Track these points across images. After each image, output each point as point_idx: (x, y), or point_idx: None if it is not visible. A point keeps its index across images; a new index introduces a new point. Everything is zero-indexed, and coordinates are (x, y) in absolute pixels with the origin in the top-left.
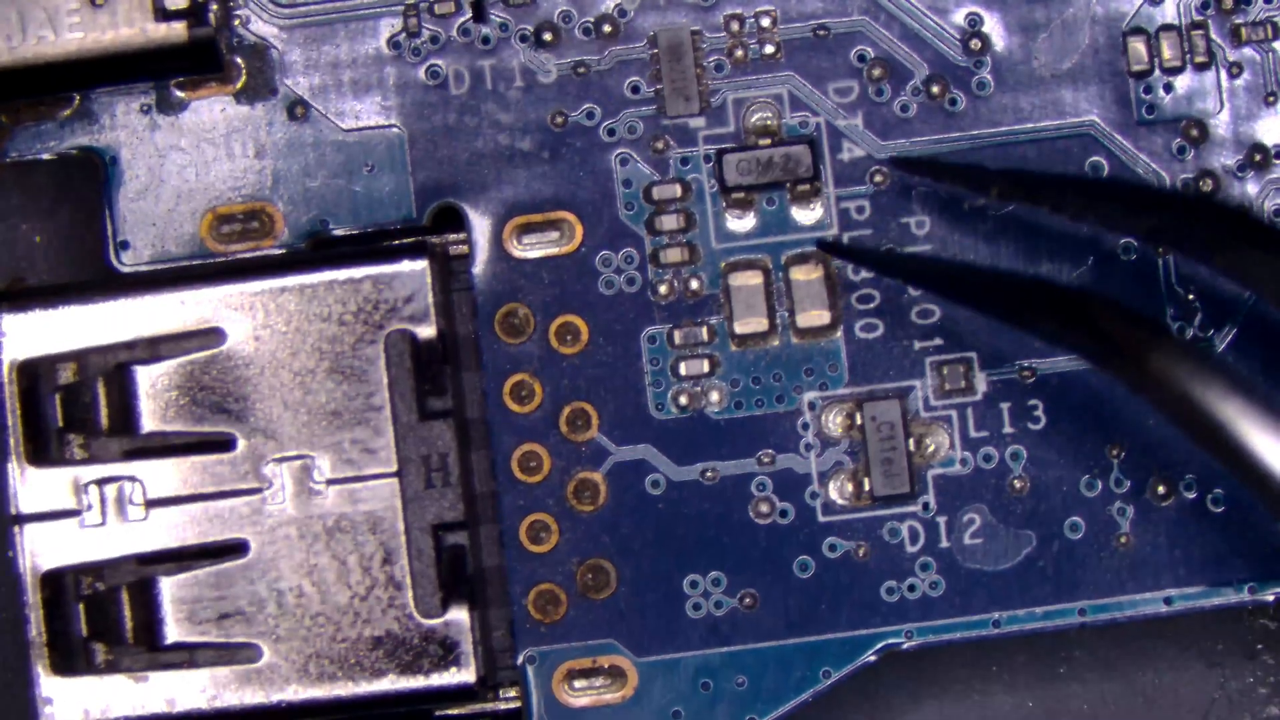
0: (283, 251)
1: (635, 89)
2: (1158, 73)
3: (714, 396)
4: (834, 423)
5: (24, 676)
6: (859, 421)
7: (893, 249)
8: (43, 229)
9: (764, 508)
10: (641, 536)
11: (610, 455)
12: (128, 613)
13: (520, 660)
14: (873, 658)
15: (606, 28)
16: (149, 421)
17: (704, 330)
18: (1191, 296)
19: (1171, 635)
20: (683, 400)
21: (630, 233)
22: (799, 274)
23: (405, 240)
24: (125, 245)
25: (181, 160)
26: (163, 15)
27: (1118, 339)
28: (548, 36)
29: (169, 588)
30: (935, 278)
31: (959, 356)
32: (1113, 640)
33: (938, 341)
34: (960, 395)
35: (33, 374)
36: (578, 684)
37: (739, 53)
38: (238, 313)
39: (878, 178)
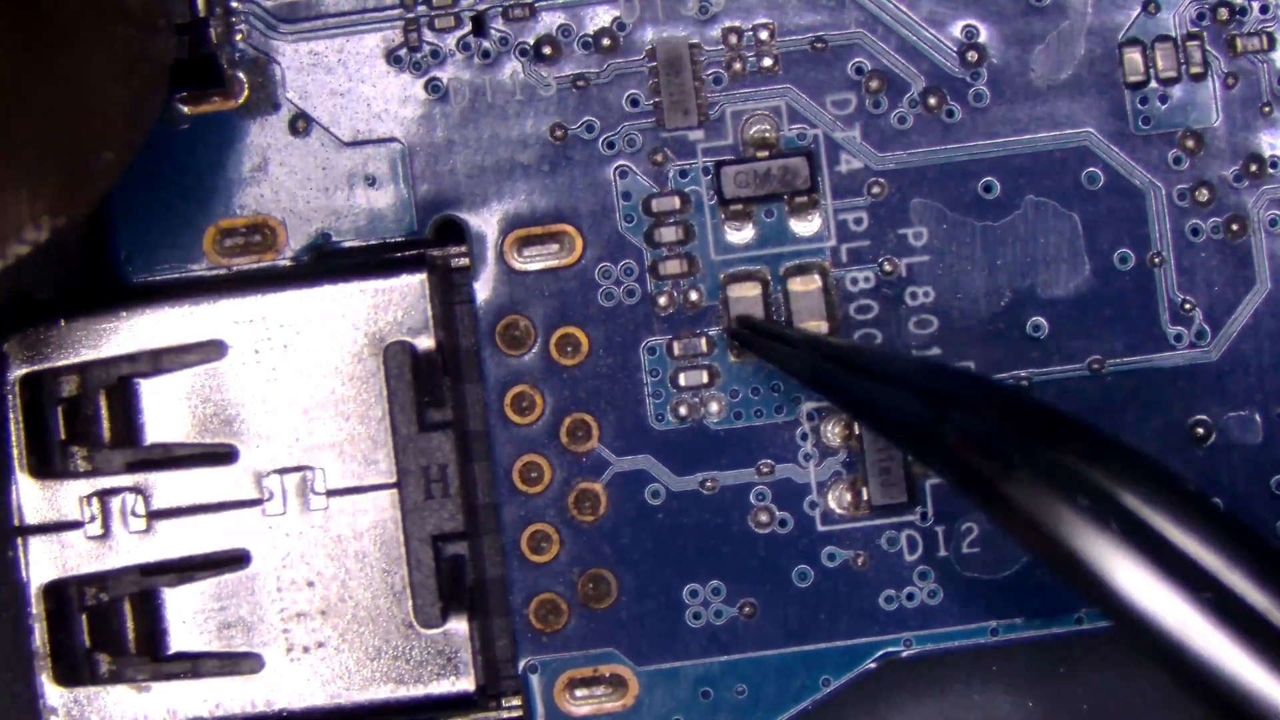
0: (285, 265)
1: (634, 102)
2: (1154, 84)
3: (713, 407)
4: (832, 433)
5: (28, 687)
6: (857, 431)
7: (789, 332)
8: (46, 243)
9: (763, 517)
10: (642, 546)
11: (610, 466)
12: (130, 623)
13: (521, 669)
14: (872, 666)
15: (605, 41)
16: (151, 434)
17: (703, 341)
18: (1189, 305)
19: None
20: (682, 411)
21: (630, 245)
22: (797, 285)
23: (406, 253)
24: (128, 258)
25: (184, 174)
26: None
27: (972, 468)
28: (547, 50)
29: (171, 598)
30: (821, 372)
31: (956, 367)
32: (1112, 640)
33: (935, 351)
34: None
35: (35, 386)
36: (579, 693)
37: (737, 65)
38: (240, 326)
39: (875, 189)
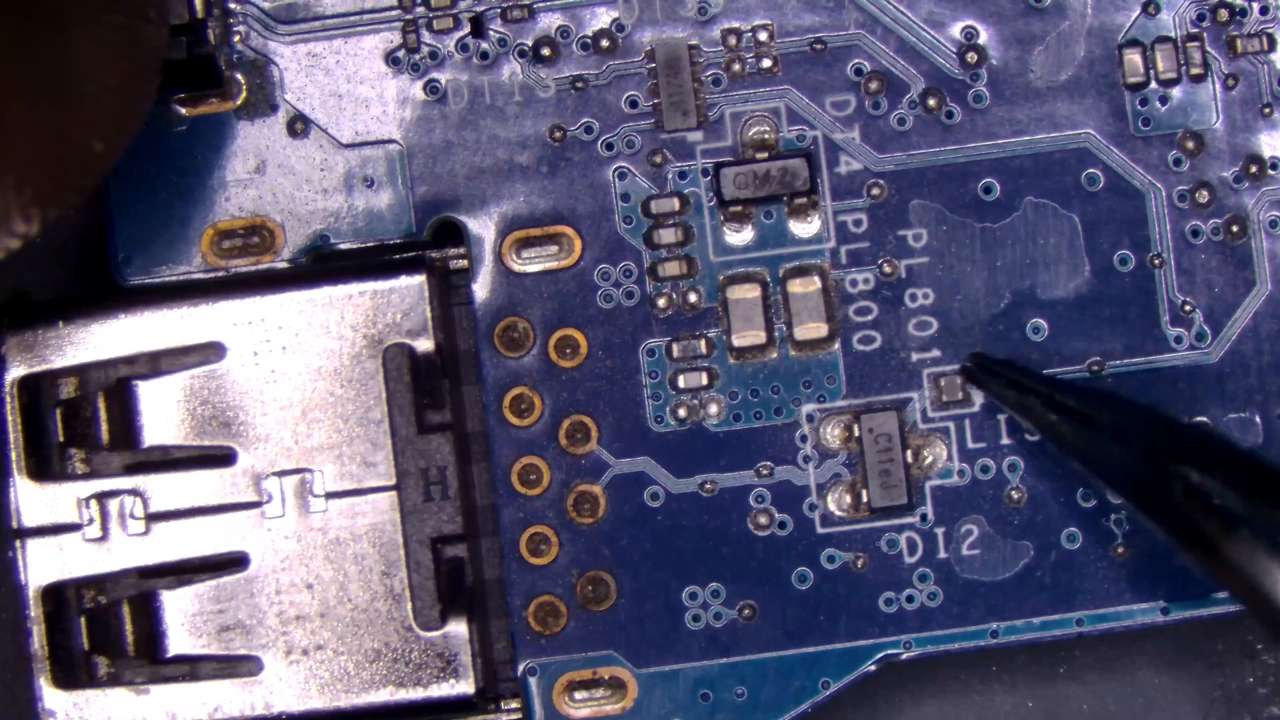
0: (283, 266)
1: (633, 103)
2: (1154, 85)
3: (712, 409)
4: (832, 435)
5: (26, 689)
6: (857, 433)
7: (1023, 379)
8: (44, 244)
9: (763, 519)
10: (641, 548)
11: (609, 468)
12: (129, 626)
13: (521, 672)
14: (872, 668)
15: (604, 42)
16: (150, 436)
17: (702, 343)
18: (1189, 307)
19: (1171, 636)
20: (681, 413)
21: (629, 246)
22: (796, 287)
23: (404, 255)
24: (127, 260)
25: (182, 176)
26: None
27: (1196, 525)
28: (546, 51)
29: (170, 601)
30: (1050, 421)
31: (956, 368)
32: (1112, 641)
33: (935, 353)
34: (957, 407)
35: (34, 389)
36: (578, 695)
37: (736, 67)
38: (238, 327)
39: (875, 191)
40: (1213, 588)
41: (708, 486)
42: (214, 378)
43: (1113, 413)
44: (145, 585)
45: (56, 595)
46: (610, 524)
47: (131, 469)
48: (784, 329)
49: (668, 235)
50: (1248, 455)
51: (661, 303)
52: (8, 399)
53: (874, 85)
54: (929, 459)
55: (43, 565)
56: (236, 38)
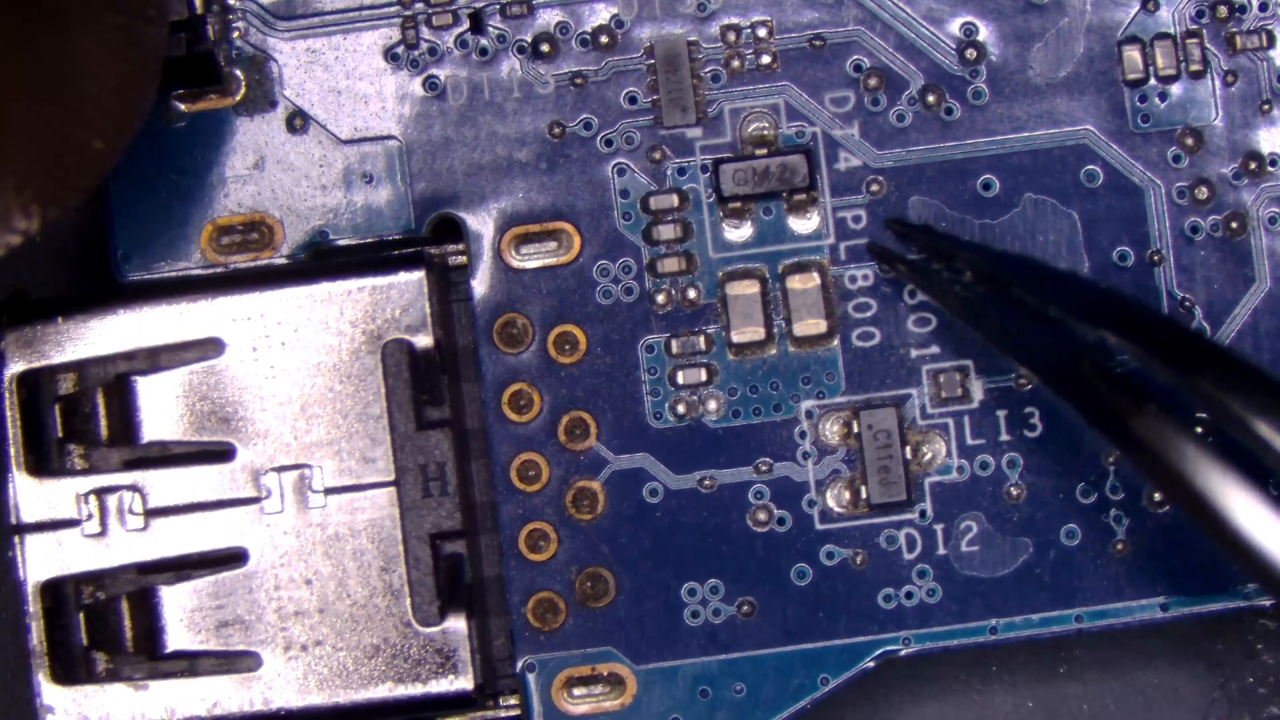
0: (282, 262)
1: (632, 99)
2: (1153, 81)
3: (711, 405)
4: (831, 431)
5: (25, 685)
6: (856, 430)
7: (941, 236)
8: (44, 240)
9: (762, 516)
10: (640, 545)
11: (608, 464)
12: (128, 622)
13: (519, 668)
14: (871, 664)
15: (603, 39)
16: (148, 431)
17: (701, 339)
18: (1189, 304)
19: (1171, 635)
20: (680, 409)
21: (628, 242)
22: (796, 283)
23: (403, 251)
24: (126, 256)
25: (181, 172)
26: None
27: (1103, 402)
28: (545, 48)
29: (169, 596)
30: (969, 298)
31: (955, 364)
32: (1112, 640)
33: (934, 350)
34: (957, 403)
35: (33, 384)
36: (577, 691)
37: (735, 63)
38: (237, 323)
39: (874, 187)
40: (1213, 585)
41: (707, 483)
42: (213, 373)
43: (1031, 281)
44: (144, 581)
45: (55, 591)
46: (609, 520)
47: (130, 465)
48: (783, 325)
49: (667, 231)
50: (1170, 321)
51: (660, 299)
52: (7, 395)
53: (873, 82)
54: (928, 455)
55: (41, 561)
56: (235, 34)
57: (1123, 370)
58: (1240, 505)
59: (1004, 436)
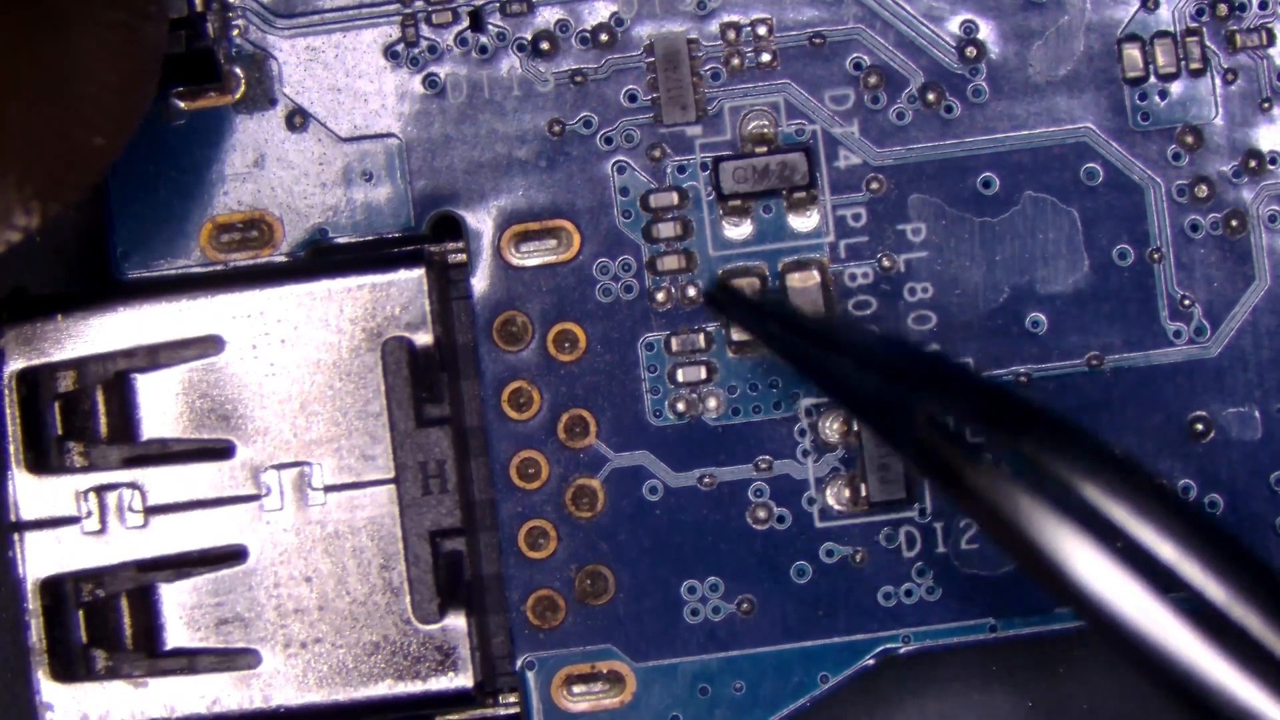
0: (282, 260)
1: (632, 97)
2: (1153, 79)
3: (711, 403)
4: (831, 429)
5: (24, 683)
6: (855, 428)
7: (769, 302)
8: (43, 238)
9: (761, 514)
10: (639, 543)
11: (608, 462)
12: (127, 619)
13: (519, 666)
14: (870, 662)
15: (603, 36)
16: (148, 429)
17: (701, 337)
18: (1189, 301)
19: None
20: (680, 407)
21: (628, 240)
22: (795, 281)
23: (403, 249)
24: (125, 254)
25: (181, 170)
26: None
27: (938, 453)
28: (545, 45)
29: (168, 594)
30: (793, 345)
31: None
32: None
33: (934, 348)
34: None
35: (33, 382)
36: (576, 689)
37: (735, 61)
38: (237, 321)
39: (874, 185)
40: None
41: (706, 480)
42: (212, 371)
43: (856, 340)
44: (143, 578)
45: (55, 588)
46: (609, 518)
47: (130, 462)
48: None
49: (666, 229)
50: (988, 384)
51: (660, 297)
52: (6, 392)
53: (873, 80)
54: None
55: (41, 558)
56: (235, 32)
57: (954, 424)
58: (1077, 555)
59: None
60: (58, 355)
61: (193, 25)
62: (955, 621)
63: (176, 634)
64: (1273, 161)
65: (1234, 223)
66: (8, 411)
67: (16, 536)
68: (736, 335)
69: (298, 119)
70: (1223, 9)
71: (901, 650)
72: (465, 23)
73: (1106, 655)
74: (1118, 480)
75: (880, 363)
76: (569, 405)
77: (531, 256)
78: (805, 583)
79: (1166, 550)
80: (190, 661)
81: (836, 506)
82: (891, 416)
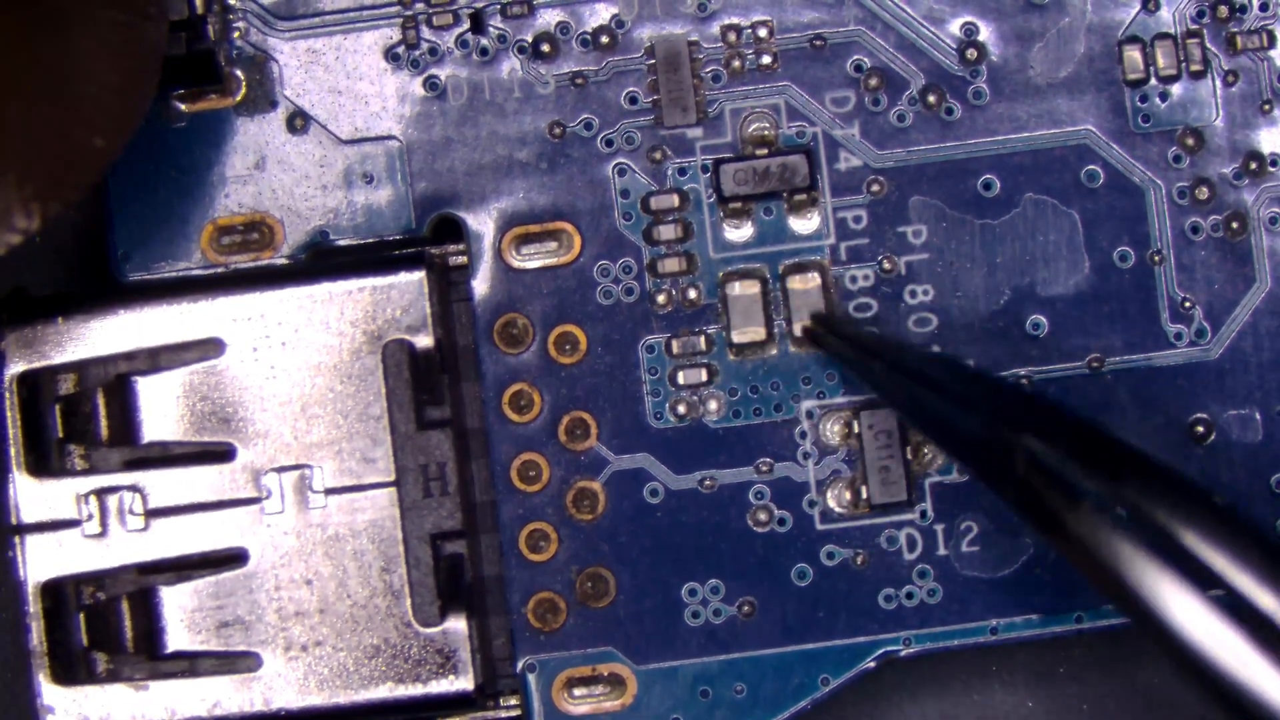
0: (282, 262)
1: (633, 99)
2: (1153, 81)
3: (712, 405)
4: (832, 431)
5: (25, 685)
6: (856, 430)
7: (870, 338)
8: (44, 240)
9: (762, 516)
10: (640, 545)
11: (609, 464)
12: (128, 622)
13: (520, 668)
14: (871, 664)
15: (604, 39)
16: (149, 432)
17: (702, 340)
18: (1189, 304)
19: None
20: (681, 409)
21: (628, 243)
22: (796, 283)
23: (404, 251)
24: (126, 256)
25: (182, 172)
26: None
27: (1039, 497)
28: (545, 48)
29: (169, 597)
30: (892, 383)
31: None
32: (1112, 640)
33: (935, 350)
34: None
35: (33, 384)
36: (577, 692)
37: (736, 63)
38: (237, 323)
39: (875, 187)
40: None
41: (707, 483)
42: (213, 374)
43: (956, 379)
44: (144, 581)
45: (56, 591)
46: (609, 520)
47: (131, 465)
48: (784, 325)
49: (667, 231)
50: (1089, 426)
51: (661, 299)
52: (7, 395)
53: (874, 82)
54: (928, 455)
55: (42, 561)
56: (236, 34)
57: (1057, 467)
58: (1177, 604)
59: None
60: (58, 358)
61: (193, 27)
62: (956, 624)
63: (177, 637)
64: (1273, 163)
65: (1234, 225)
66: (8, 414)
67: (17, 539)
68: (738, 338)
69: (298, 121)
70: (1223, 11)
71: (902, 652)
72: (466, 25)
73: (1107, 655)
74: (1217, 526)
75: (980, 403)
76: (570, 407)
77: (532, 259)
78: (806, 585)
79: (1266, 600)
80: (191, 664)
81: (837, 509)
82: (991, 458)
